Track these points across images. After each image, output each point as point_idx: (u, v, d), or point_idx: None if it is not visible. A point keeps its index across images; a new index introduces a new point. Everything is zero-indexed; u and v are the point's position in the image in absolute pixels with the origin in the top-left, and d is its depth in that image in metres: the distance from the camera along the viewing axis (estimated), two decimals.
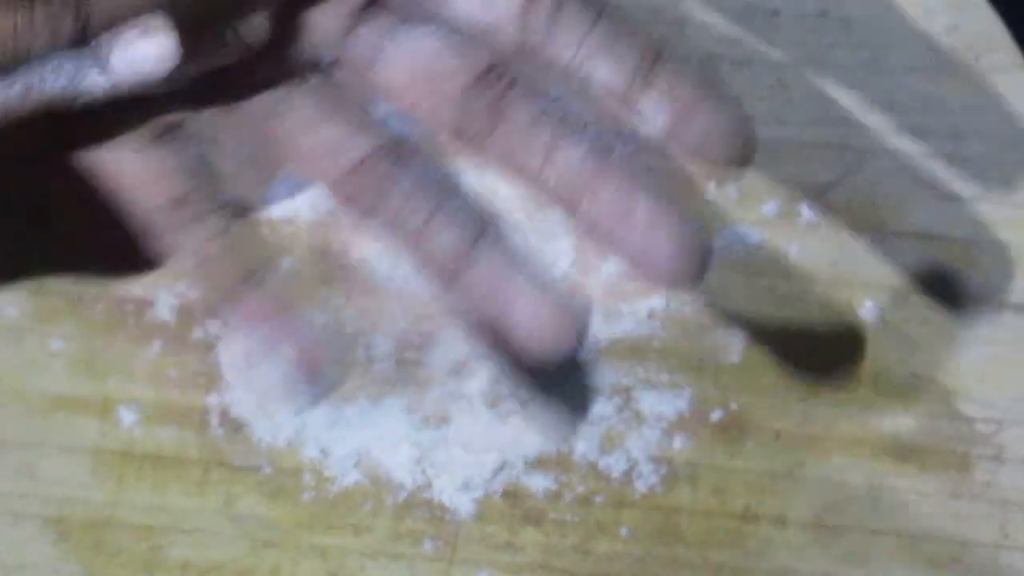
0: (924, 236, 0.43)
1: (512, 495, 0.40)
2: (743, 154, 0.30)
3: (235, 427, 0.40)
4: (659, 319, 0.42)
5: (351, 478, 0.40)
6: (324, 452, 0.40)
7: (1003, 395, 0.41)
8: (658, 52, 0.31)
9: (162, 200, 0.31)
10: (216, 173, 0.31)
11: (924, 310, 0.42)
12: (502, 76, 0.31)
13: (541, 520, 0.39)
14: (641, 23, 0.34)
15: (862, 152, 0.44)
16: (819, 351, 0.41)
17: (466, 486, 0.40)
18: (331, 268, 0.42)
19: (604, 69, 0.32)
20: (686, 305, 0.42)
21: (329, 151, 0.32)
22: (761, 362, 0.41)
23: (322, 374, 0.29)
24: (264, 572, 0.39)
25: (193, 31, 0.29)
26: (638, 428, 0.40)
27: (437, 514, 0.39)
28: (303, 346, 0.29)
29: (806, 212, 0.43)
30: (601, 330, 0.41)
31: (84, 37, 0.28)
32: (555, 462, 0.40)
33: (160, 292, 0.42)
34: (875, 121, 0.44)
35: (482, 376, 0.41)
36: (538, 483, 0.40)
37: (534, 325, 0.30)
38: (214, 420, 0.40)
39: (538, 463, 0.40)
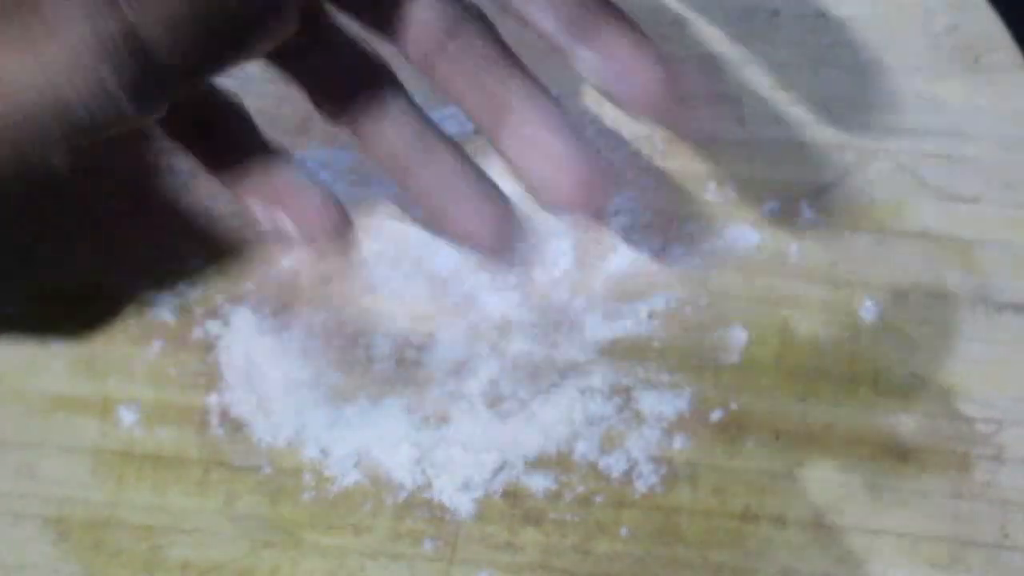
0: (924, 236, 0.43)
1: (512, 495, 0.40)
2: (671, 108, 0.30)
3: (235, 427, 0.40)
4: (659, 319, 0.42)
5: (351, 478, 0.40)
6: (324, 452, 0.40)
7: (1003, 395, 0.41)
8: (599, 1, 0.32)
9: None
10: None
11: (924, 310, 0.42)
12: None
13: (541, 520, 0.39)
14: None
15: (862, 152, 0.44)
16: (819, 351, 0.41)
17: (466, 486, 0.40)
18: (331, 268, 0.42)
19: (542, 15, 0.32)
20: (686, 305, 0.42)
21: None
22: (761, 362, 0.41)
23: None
24: (264, 572, 0.39)
25: None
26: (638, 428, 0.40)
27: (437, 514, 0.39)
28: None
29: (806, 212, 0.43)
30: (601, 330, 0.41)
31: None
32: (555, 462, 0.40)
33: (160, 292, 0.42)
34: (875, 121, 0.44)
35: (482, 376, 0.41)
36: (538, 483, 0.40)
37: (474, 225, 0.34)
38: (214, 420, 0.40)
39: (538, 463, 0.40)
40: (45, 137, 0.29)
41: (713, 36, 0.45)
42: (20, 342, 0.41)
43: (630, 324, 0.41)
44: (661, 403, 0.40)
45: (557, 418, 0.40)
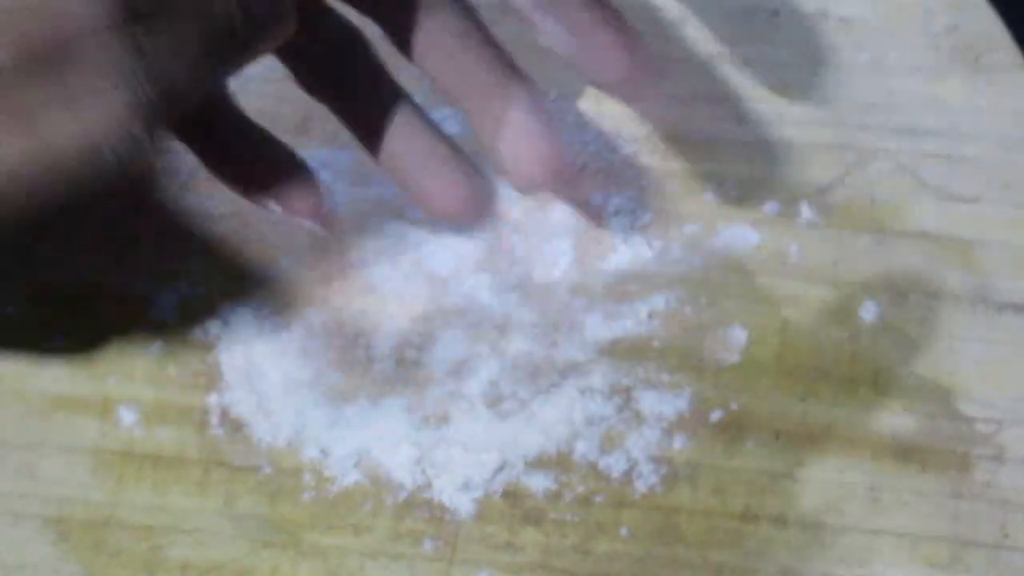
0: (924, 236, 0.43)
1: (512, 495, 0.40)
2: (636, 79, 0.31)
3: (235, 427, 0.40)
4: (659, 319, 0.42)
5: (351, 478, 0.40)
6: (324, 452, 0.40)
7: (1003, 395, 0.41)
8: None
9: None
10: None
11: (924, 310, 0.42)
12: None
13: (541, 520, 0.39)
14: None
15: (862, 152, 0.44)
16: (819, 351, 0.41)
17: (466, 486, 0.40)
18: (331, 268, 0.42)
19: None
20: (686, 305, 0.42)
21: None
22: (761, 362, 0.41)
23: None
24: (264, 572, 0.39)
25: None
26: (638, 428, 0.40)
27: (437, 514, 0.39)
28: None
29: (806, 212, 0.43)
30: (601, 330, 0.41)
31: None
32: (555, 462, 0.40)
33: (160, 292, 0.42)
34: (875, 121, 0.44)
35: (482, 376, 0.41)
36: (538, 483, 0.40)
37: (441, 194, 0.35)
38: (214, 420, 0.40)
39: (538, 463, 0.40)
40: (73, 178, 0.30)
41: (713, 36, 0.45)
42: (20, 342, 0.41)
43: (630, 324, 0.41)
44: (661, 403, 0.40)
45: (557, 418, 0.40)
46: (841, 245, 0.43)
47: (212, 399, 0.41)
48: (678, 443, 0.40)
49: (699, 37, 0.45)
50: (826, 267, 0.42)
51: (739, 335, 0.41)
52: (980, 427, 0.40)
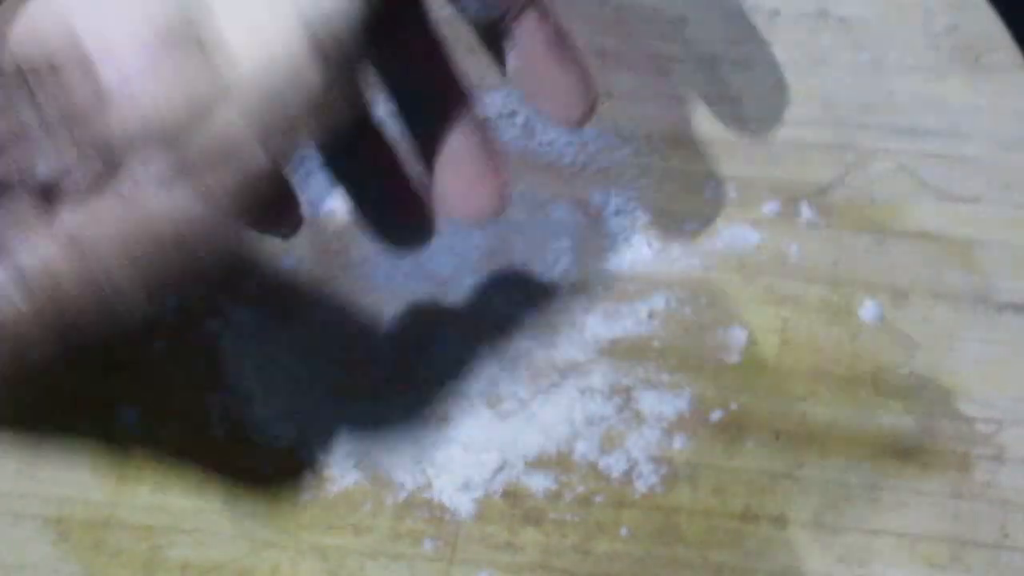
0: (924, 236, 0.43)
1: (512, 495, 0.40)
2: (580, 115, 0.30)
3: (235, 427, 0.40)
4: (659, 319, 0.42)
5: (351, 478, 0.40)
6: (324, 452, 0.40)
7: (1003, 395, 0.41)
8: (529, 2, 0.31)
9: None
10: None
11: (924, 310, 0.42)
12: None
13: (541, 520, 0.39)
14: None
15: (862, 152, 0.44)
16: (819, 351, 0.41)
17: (466, 486, 0.40)
18: (331, 268, 0.42)
19: (474, 5, 0.32)
20: (686, 305, 0.42)
21: None
22: (761, 362, 0.41)
23: None
24: (264, 572, 0.39)
25: None
26: (638, 428, 0.40)
27: (437, 514, 0.39)
28: None
29: (806, 212, 0.43)
30: (601, 330, 0.41)
31: None
32: (555, 462, 0.40)
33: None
34: (875, 121, 0.44)
35: (482, 376, 0.41)
36: (538, 483, 0.40)
37: (465, 195, 0.33)
38: (214, 420, 0.40)
39: (538, 463, 0.40)
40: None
41: (713, 36, 0.45)
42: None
43: (630, 324, 0.41)
44: (661, 403, 0.40)
45: (557, 418, 0.40)
46: (841, 245, 0.42)
47: (212, 399, 0.41)
48: (678, 443, 0.40)
49: (699, 37, 0.45)
50: (826, 267, 0.42)
51: (739, 335, 0.41)
52: (980, 427, 0.40)
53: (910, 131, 0.44)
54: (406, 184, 0.33)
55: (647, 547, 0.39)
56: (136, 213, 0.26)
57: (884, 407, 0.41)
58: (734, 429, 0.40)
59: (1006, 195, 0.43)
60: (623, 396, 0.40)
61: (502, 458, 0.40)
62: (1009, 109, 0.44)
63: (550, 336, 0.41)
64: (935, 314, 0.42)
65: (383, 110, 0.34)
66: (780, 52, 0.45)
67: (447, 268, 0.42)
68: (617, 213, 0.43)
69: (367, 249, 0.42)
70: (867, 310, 0.42)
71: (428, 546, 0.39)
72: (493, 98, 0.43)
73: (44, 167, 0.25)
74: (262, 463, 0.40)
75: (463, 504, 0.39)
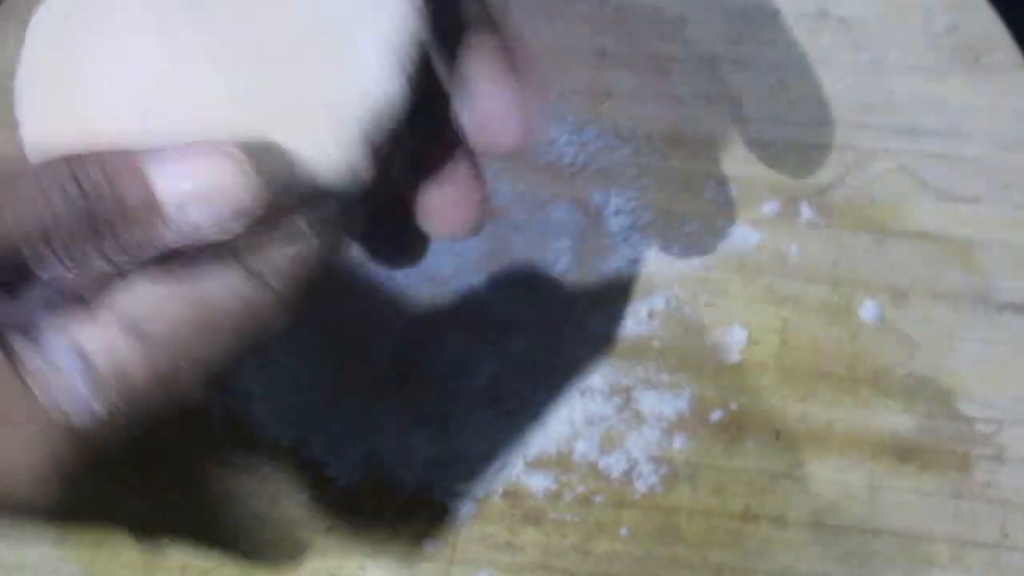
0: (924, 236, 0.43)
1: (512, 495, 0.40)
2: (512, 143, 0.30)
3: (236, 427, 0.40)
4: (659, 319, 0.42)
5: (352, 478, 0.40)
6: (325, 452, 0.40)
7: (1003, 395, 0.41)
8: (499, 26, 0.31)
9: None
10: None
11: (924, 310, 0.42)
12: None
13: (541, 520, 0.39)
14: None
15: (862, 152, 0.44)
16: (819, 351, 0.41)
17: (466, 486, 0.39)
18: (331, 268, 0.42)
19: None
20: (686, 305, 0.42)
21: None
22: (761, 362, 0.41)
23: None
24: (264, 572, 0.39)
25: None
26: (638, 428, 0.40)
27: (437, 514, 0.39)
28: None
29: (806, 212, 0.43)
30: (601, 330, 0.41)
31: None
32: (555, 462, 0.40)
33: None
34: (875, 121, 0.44)
35: (483, 375, 0.41)
36: (538, 483, 0.40)
37: (448, 213, 0.32)
38: (214, 420, 0.40)
39: (538, 463, 0.40)
40: None
41: (713, 36, 0.45)
42: None
43: (630, 324, 0.41)
44: (661, 403, 0.40)
45: (557, 418, 0.40)
46: (841, 245, 0.43)
47: (212, 399, 0.40)
48: (678, 443, 0.40)
49: (699, 37, 0.45)
50: (826, 267, 0.42)
51: (739, 335, 0.41)
52: (980, 427, 0.40)
53: (910, 131, 0.44)
54: (396, 205, 0.33)
55: (647, 547, 0.39)
56: (196, 299, 0.26)
57: (884, 407, 0.41)
58: (734, 429, 0.40)
59: (1006, 195, 0.43)
60: (623, 396, 0.40)
61: (502, 458, 0.40)
62: (1009, 109, 0.44)
63: (550, 336, 0.41)
64: (935, 314, 0.42)
65: None
66: (780, 52, 0.45)
67: (447, 268, 0.42)
68: (617, 213, 0.43)
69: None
70: (867, 310, 0.42)
71: (428, 546, 0.39)
72: None
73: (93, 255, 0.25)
74: (262, 463, 0.40)
75: (463, 504, 0.39)
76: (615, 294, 0.42)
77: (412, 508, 0.39)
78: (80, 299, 0.27)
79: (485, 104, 0.30)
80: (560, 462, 0.40)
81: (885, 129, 0.44)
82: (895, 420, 0.40)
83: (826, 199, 0.43)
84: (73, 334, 0.26)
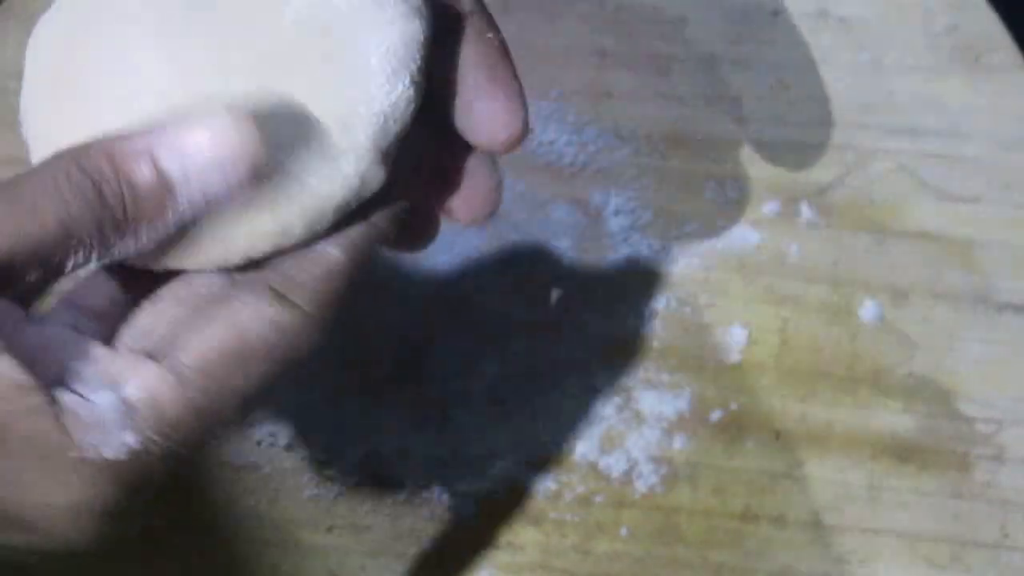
0: (924, 236, 0.43)
1: (512, 495, 0.40)
2: (506, 142, 0.30)
3: (235, 427, 0.40)
4: (659, 319, 0.42)
5: (351, 478, 0.40)
6: (324, 452, 0.40)
7: (1003, 395, 0.41)
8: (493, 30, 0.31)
9: None
10: None
11: (924, 310, 0.42)
12: None
13: (541, 520, 0.39)
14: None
15: (862, 152, 0.44)
16: (819, 351, 0.41)
17: (466, 486, 0.39)
18: None
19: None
20: (686, 305, 0.42)
21: None
22: (761, 362, 0.41)
23: None
24: (264, 572, 0.39)
25: None
26: (638, 428, 0.40)
27: (437, 514, 0.39)
28: None
29: (806, 212, 0.43)
30: (601, 330, 0.41)
31: None
32: (555, 462, 0.40)
33: None
34: (875, 121, 0.44)
35: (482, 375, 0.41)
36: (538, 483, 0.40)
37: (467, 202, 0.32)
38: None
39: (538, 463, 0.40)
40: None
41: (713, 36, 0.45)
42: None
43: (630, 324, 0.41)
44: (661, 403, 0.40)
45: (557, 418, 0.40)
46: (841, 245, 0.42)
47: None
48: (678, 443, 0.40)
49: (699, 37, 0.45)
50: (826, 267, 0.42)
51: (739, 335, 0.41)
52: (980, 427, 0.40)
53: (910, 131, 0.44)
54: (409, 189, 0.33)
55: (647, 547, 0.39)
56: (228, 328, 0.26)
57: (884, 407, 0.41)
58: (734, 429, 0.40)
59: (1006, 195, 0.43)
60: (623, 396, 0.40)
61: (502, 458, 0.40)
62: (1009, 109, 0.44)
63: (550, 336, 0.41)
64: (935, 314, 0.42)
65: None
66: (780, 52, 0.45)
67: (447, 268, 0.42)
68: (617, 213, 0.43)
69: None
70: (867, 310, 0.42)
71: (428, 546, 0.39)
72: None
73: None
74: (262, 463, 0.40)
75: (463, 504, 0.39)
76: (615, 294, 0.42)
77: (412, 508, 0.39)
78: (106, 323, 0.27)
79: (480, 102, 0.30)
80: (560, 462, 0.40)
81: (885, 129, 0.44)
82: (895, 420, 0.40)
83: (826, 199, 0.43)
84: (106, 367, 0.26)
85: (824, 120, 0.44)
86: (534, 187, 0.43)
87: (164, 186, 0.25)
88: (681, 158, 0.44)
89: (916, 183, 0.43)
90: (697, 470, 0.40)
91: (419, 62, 0.28)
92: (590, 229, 0.43)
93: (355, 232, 0.28)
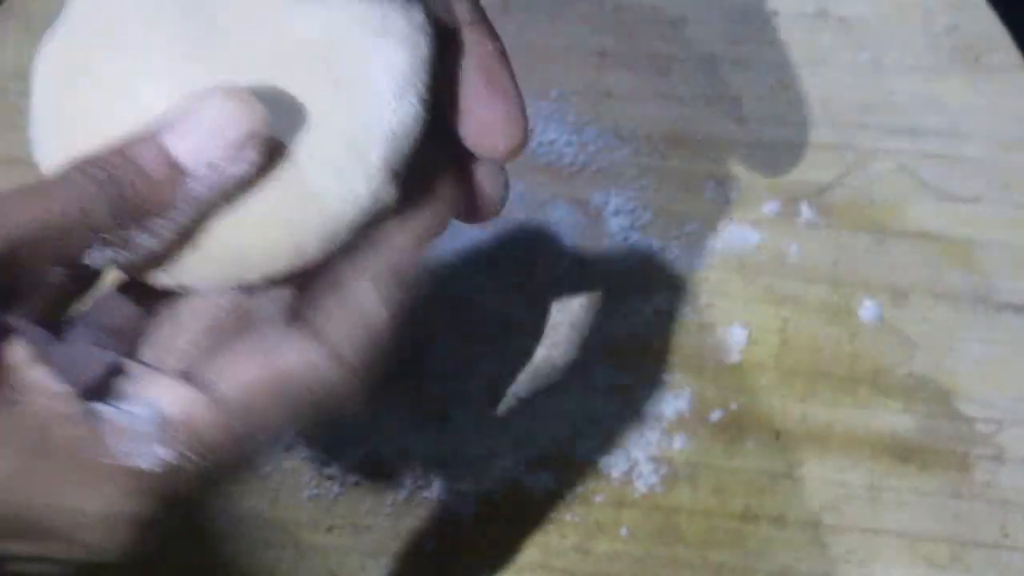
0: (924, 236, 0.43)
1: (512, 495, 0.40)
2: (512, 151, 0.30)
3: None
4: (659, 319, 0.42)
5: (351, 478, 0.40)
6: (324, 452, 0.40)
7: (1003, 395, 0.41)
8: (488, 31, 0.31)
9: None
10: None
11: (924, 310, 0.42)
12: None
13: (541, 520, 0.39)
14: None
15: (862, 152, 0.44)
16: (819, 351, 0.41)
17: (466, 485, 0.39)
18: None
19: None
20: (686, 305, 0.42)
21: None
22: (761, 362, 0.41)
23: None
24: (264, 572, 0.39)
25: None
26: (638, 428, 0.40)
27: (437, 514, 0.39)
28: None
29: (806, 212, 0.43)
30: (601, 330, 0.41)
31: None
32: (555, 462, 0.40)
33: None
34: (875, 121, 0.44)
35: (482, 375, 0.41)
36: (538, 483, 0.40)
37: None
38: None
39: (538, 463, 0.40)
40: None
41: (713, 36, 0.45)
42: None
43: (630, 324, 0.41)
44: (661, 403, 0.40)
45: (557, 418, 0.40)
46: (841, 245, 0.43)
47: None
48: (678, 443, 0.40)
49: (699, 37, 0.45)
50: (826, 267, 0.42)
51: (739, 335, 0.41)
52: (980, 427, 0.40)
53: (910, 131, 0.44)
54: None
55: (647, 547, 0.39)
56: (274, 368, 0.26)
57: (884, 407, 0.41)
58: (734, 429, 0.40)
59: (1006, 195, 0.43)
60: (623, 396, 0.40)
61: (502, 458, 0.40)
62: (1009, 109, 0.44)
63: (550, 336, 0.41)
64: (935, 314, 0.42)
65: None
66: (780, 52, 0.45)
67: (447, 268, 0.42)
68: (617, 213, 0.43)
69: None
70: (867, 310, 0.42)
71: (428, 546, 0.39)
72: None
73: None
74: (262, 463, 0.40)
75: (463, 504, 0.39)
76: (615, 294, 0.42)
77: (412, 508, 0.39)
78: (124, 340, 0.28)
79: (480, 113, 0.30)
80: (560, 462, 0.40)
81: (885, 129, 0.44)
82: (895, 420, 0.40)
83: (826, 199, 0.43)
84: (139, 382, 0.26)
85: (824, 120, 0.44)
86: (534, 187, 0.43)
87: (172, 166, 0.26)
88: (681, 158, 0.44)
89: (916, 183, 0.43)
90: (697, 470, 0.40)
91: (425, 79, 0.28)
92: (590, 229, 0.43)
93: (397, 289, 0.29)
